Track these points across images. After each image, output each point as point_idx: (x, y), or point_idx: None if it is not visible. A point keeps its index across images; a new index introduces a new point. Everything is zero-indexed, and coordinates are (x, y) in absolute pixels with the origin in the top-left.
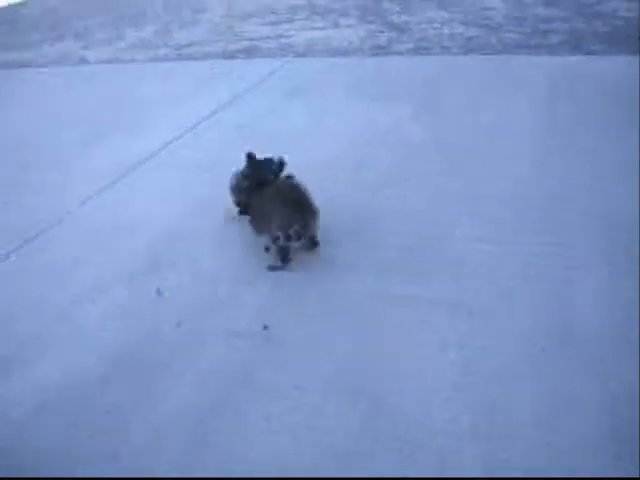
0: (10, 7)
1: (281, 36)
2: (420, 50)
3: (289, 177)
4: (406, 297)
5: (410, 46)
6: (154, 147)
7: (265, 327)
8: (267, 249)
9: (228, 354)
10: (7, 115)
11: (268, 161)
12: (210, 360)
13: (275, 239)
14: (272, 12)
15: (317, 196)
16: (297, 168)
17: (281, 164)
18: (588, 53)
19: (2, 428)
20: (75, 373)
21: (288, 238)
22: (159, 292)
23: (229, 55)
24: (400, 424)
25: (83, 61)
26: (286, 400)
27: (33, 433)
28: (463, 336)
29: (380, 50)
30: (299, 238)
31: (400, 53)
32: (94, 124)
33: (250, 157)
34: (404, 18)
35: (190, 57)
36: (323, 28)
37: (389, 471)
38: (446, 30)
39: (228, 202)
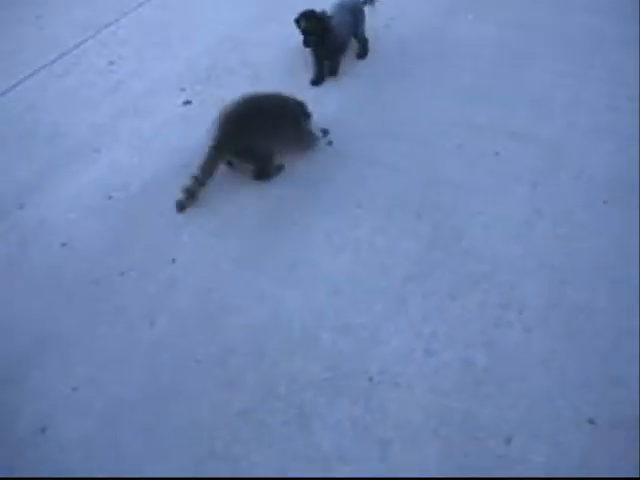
0: None
1: None
2: None
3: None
4: (484, 127)
5: None
6: None
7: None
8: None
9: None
10: None
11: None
12: None
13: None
14: None
15: (390, 11)
16: None
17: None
18: None
19: None
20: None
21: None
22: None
23: None
24: (464, 254)
25: None
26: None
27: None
28: (536, 174)
29: None
30: None
31: None
32: None
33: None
34: None
35: None
36: None
37: (444, 293)
38: None
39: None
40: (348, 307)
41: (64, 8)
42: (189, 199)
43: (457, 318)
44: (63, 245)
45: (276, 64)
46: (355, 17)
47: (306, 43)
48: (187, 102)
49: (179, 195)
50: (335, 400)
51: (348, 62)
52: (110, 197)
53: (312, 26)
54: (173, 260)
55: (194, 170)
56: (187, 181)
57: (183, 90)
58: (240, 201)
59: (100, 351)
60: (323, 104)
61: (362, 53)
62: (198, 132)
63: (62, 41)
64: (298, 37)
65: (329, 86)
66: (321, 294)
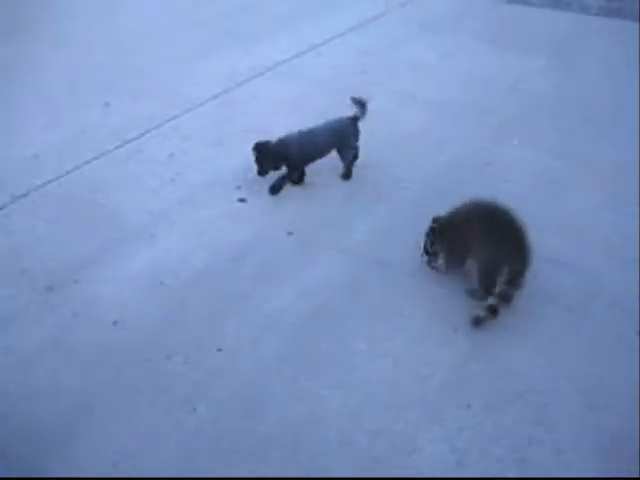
0: None
1: None
2: (560, 4)
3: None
4: None
5: None
6: (275, 59)
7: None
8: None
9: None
10: (123, 16)
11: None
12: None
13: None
14: None
15: (440, 133)
16: (418, 104)
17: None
18: None
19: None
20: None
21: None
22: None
23: None
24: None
25: None
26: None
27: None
28: (571, 299)
29: None
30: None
31: (537, 5)
32: (217, 31)
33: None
34: None
35: None
36: None
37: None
38: None
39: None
40: (384, 413)
41: (131, 98)
42: (490, 316)
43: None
44: (114, 323)
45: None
46: (339, 138)
47: (259, 173)
48: (242, 200)
49: (479, 312)
50: None
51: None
52: (162, 283)
53: (263, 157)
54: (219, 349)
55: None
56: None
57: (239, 188)
58: (286, 295)
59: (140, 429)
60: None
61: (347, 174)
62: (250, 228)
63: (126, 130)
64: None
65: None
66: (359, 398)
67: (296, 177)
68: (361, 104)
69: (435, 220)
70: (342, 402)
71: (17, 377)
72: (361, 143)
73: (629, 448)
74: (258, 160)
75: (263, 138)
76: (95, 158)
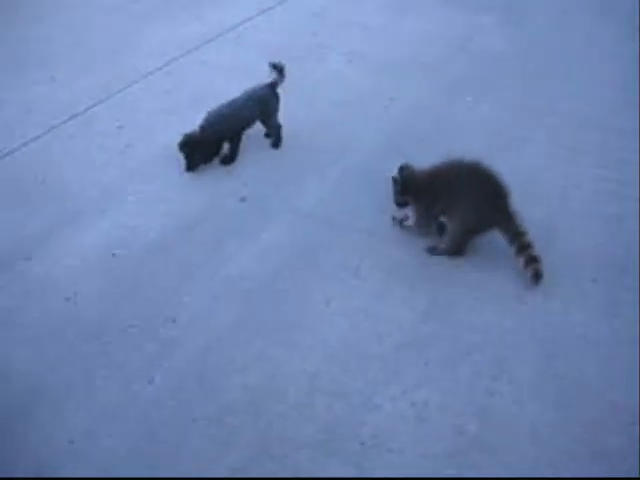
0: None
1: None
2: None
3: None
4: None
5: None
6: (225, 25)
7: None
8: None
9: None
10: None
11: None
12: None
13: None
14: None
15: (391, 93)
16: (369, 65)
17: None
18: None
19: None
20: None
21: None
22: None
23: None
24: (458, 324)
25: None
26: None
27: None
28: None
29: None
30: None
31: None
32: None
33: None
34: None
35: None
36: None
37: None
38: None
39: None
40: (343, 372)
41: (78, 72)
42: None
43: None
44: (67, 299)
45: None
46: (261, 106)
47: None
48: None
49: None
50: (327, 462)
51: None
52: (114, 254)
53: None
54: (173, 320)
55: None
56: None
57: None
58: (241, 261)
59: (96, 405)
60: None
61: (276, 142)
62: (202, 197)
63: (73, 104)
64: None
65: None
66: (317, 359)
67: (228, 154)
68: (279, 69)
69: (402, 169)
70: (300, 364)
71: None
72: (311, 106)
73: (589, 396)
74: (187, 156)
75: (213, 105)
76: (42, 134)
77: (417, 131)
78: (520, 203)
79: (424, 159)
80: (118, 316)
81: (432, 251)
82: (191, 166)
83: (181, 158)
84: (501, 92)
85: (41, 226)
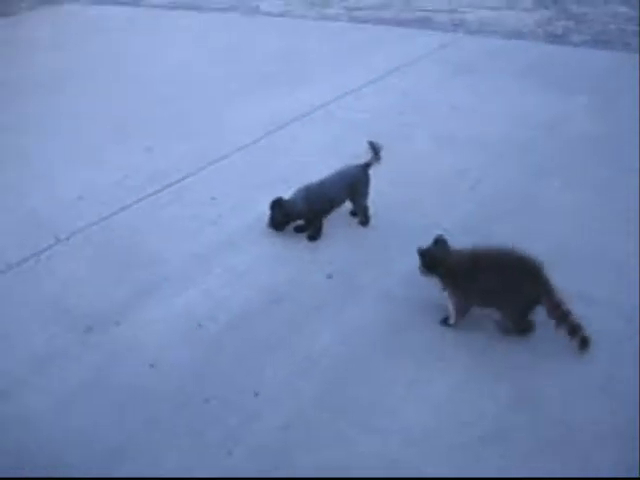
0: None
1: (454, 11)
2: (599, 44)
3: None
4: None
5: (587, 38)
6: (315, 103)
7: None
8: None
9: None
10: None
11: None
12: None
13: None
14: None
15: (477, 173)
16: (457, 145)
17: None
18: None
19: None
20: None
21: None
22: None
23: (401, 23)
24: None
25: (256, 10)
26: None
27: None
28: None
29: (555, 38)
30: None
31: (576, 44)
32: (256, 75)
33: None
34: (583, 9)
35: (361, 20)
36: (497, 8)
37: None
38: (629, 26)
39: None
40: (423, 461)
41: (172, 143)
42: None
43: None
44: (151, 366)
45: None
46: (352, 187)
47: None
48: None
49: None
50: None
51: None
52: (200, 325)
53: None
54: (256, 394)
55: None
56: None
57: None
58: (324, 338)
59: (174, 474)
60: None
61: (364, 221)
62: (289, 271)
63: (168, 173)
64: None
65: None
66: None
67: (313, 231)
68: (376, 150)
69: (436, 242)
70: (380, 448)
71: (53, 418)
72: (398, 184)
73: None
74: (272, 217)
75: (302, 183)
76: (137, 201)
77: (499, 213)
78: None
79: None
80: (201, 386)
81: (503, 330)
82: (275, 226)
83: (271, 232)
84: (590, 179)
85: (131, 291)
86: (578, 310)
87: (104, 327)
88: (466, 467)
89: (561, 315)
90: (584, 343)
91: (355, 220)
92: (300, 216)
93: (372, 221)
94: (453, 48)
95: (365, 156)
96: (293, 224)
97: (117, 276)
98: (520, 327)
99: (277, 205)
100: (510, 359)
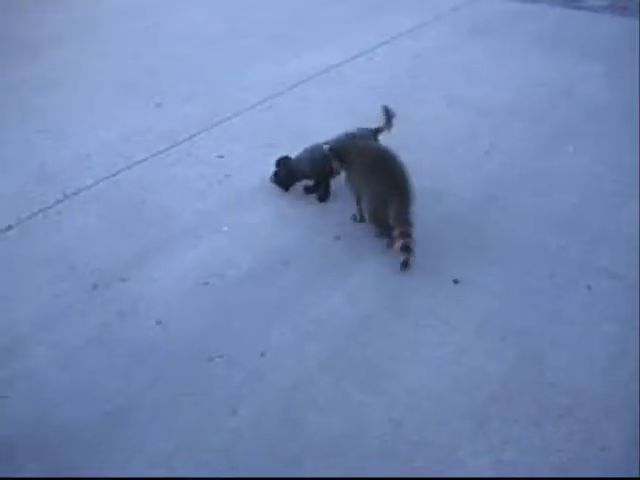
0: None
1: None
2: (617, 10)
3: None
4: (574, 260)
5: (605, 3)
6: (325, 64)
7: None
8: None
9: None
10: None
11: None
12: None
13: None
14: None
15: (490, 139)
16: (471, 108)
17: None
18: None
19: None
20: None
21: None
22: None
23: None
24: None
25: None
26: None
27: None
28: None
29: (573, 3)
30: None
31: (594, 9)
32: (267, 35)
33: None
34: None
35: None
36: None
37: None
38: None
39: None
40: (427, 423)
41: (181, 101)
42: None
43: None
44: (158, 323)
45: None
46: None
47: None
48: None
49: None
50: None
51: None
52: (206, 283)
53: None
54: (262, 353)
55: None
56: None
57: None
58: (332, 301)
59: (178, 432)
60: None
61: None
62: (297, 232)
63: (176, 131)
64: None
65: None
66: (402, 407)
67: (322, 193)
68: (388, 116)
69: (331, 149)
70: (385, 411)
71: (60, 374)
72: (410, 148)
73: None
74: (277, 173)
75: (310, 142)
76: (145, 159)
77: (515, 178)
78: (615, 260)
79: (519, 207)
80: (206, 344)
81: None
82: (279, 182)
83: (279, 192)
84: (604, 145)
85: (138, 248)
86: (594, 283)
87: (111, 283)
88: (470, 431)
89: (402, 233)
90: (405, 265)
91: None
92: (305, 176)
93: None
94: (467, 10)
95: (377, 120)
96: (300, 184)
97: (125, 233)
98: (370, 221)
99: (282, 163)
100: (516, 323)
